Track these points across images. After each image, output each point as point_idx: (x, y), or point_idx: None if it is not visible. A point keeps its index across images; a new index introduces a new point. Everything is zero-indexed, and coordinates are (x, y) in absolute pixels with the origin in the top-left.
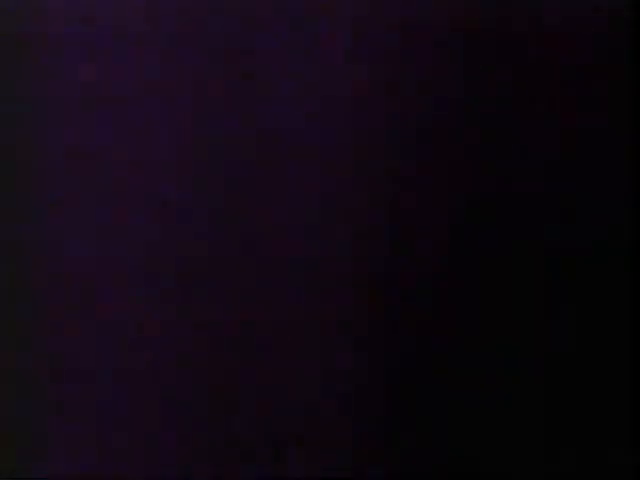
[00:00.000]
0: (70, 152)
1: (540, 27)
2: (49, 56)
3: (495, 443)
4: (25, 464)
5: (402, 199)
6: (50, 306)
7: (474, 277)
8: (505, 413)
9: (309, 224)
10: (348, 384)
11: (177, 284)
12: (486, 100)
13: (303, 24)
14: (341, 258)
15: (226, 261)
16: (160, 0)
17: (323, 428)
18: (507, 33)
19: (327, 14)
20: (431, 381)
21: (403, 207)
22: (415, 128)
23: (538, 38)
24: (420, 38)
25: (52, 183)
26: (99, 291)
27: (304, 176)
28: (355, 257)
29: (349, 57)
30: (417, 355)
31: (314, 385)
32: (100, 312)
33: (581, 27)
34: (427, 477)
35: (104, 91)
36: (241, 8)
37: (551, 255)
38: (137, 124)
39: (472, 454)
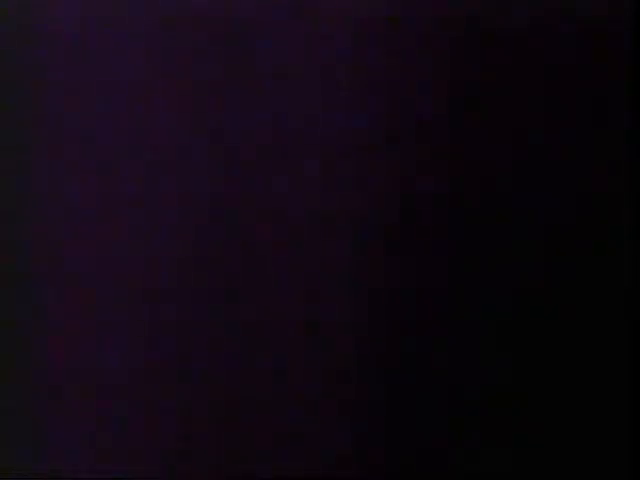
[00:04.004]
0: (69, 152)
1: (540, 27)
2: (48, 56)
3: (495, 443)
4: (25, 464)
5: (402, 199)
6: (50, 306)
7: (473, 277)
8: (505, 413)
9: (309, 224)
10: (348, 384)
11: (177, 284)
12: (486, 100)
13: (303, 24)
14: (341, 258)
15: (226, 261)
16: (160, 1)
17: (323, 428)
18: (507, 33)
19: (327, 14)
20: (431, 381)
21: (403, 208)
22: (415, 128)
23: (538, 38)
24: (420, 37)
25: (52, 184)
26: (99, 291)
27: (304, 176)
28: (355, 257)
29: (349, 57)
30: (417, 355)
31: (314, 385)
32: (100, 312)
33: (581, 27)
34: (427, 477)
35: (103, 91)
36: (241, 8)
37: (550, 256)
38: (137, 122)
39: (472, 454)
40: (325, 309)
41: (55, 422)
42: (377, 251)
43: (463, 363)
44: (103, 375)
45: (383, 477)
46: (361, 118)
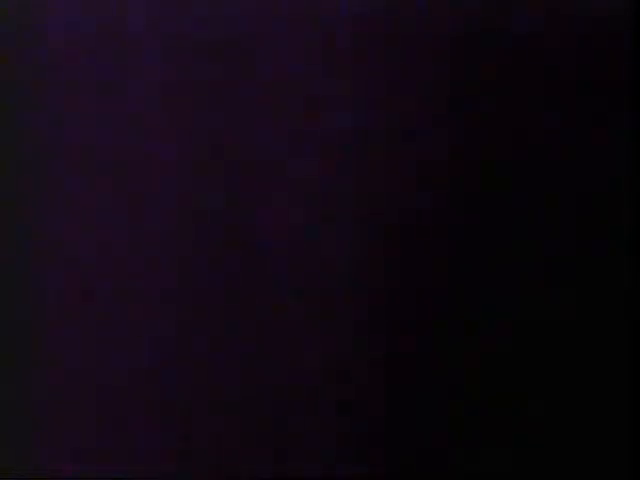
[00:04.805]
0: (69, 152)
1: (540, 27)
2: (49, 56)
3: (495, 443)
4: (25, 464)
5: (402, 199)
6: (50, 305)
7: (473, 277)
8: (505, 413)
9: (309, 224)
10: (348, 384)
11: (177, 284)
12: (485, 100)
13: (303, 24)
14: (341, 258)
15: (227, 261)
16: (160, 1)
17: (323, 428)
18: (507, 33)
19: (327, 14)
20: (431, 381)
21: (403, 207)
22: (415, 128)
23: (538, 38)
24: (420, 37)
25: (52, 183)
26: (99, 291)
27: (304, 176)
28: (355, 257)
29: (349, 57)
30: (417, 355)
31: (313, 385)
32: (100, 312)
33: (581, 27)
34: (426, 477)
35: (104, 91)
36: (241, 8)
37: (550, 256)
38: (137, 124)
39: (472, 454)
40: (325, 309)
41: (55, 422)
42: (377, 251)
43: (463, 363)
44: (103, 375)
45: (383, 477)
46: (361, 118)
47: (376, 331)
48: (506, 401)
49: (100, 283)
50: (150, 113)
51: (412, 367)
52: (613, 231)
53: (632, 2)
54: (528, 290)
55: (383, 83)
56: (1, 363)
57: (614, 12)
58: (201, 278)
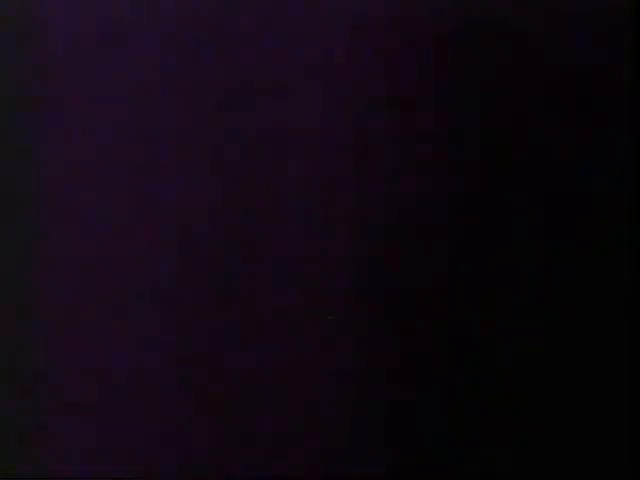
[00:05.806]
0: (68, 151)
1: (540, 27)
2: (50, 54)
3: (494, 443)
4: (25, 464)
5: (401, 199)
6: (50, 305)
7: (473, 277)
8: (505, 413)
9: (309, 223)
10: (348, 384)
11: (177, 284)
12: (485, 100)
13: (304, 23)
14: (341, 258)
15: (226, 261)
16: (160, 1)
17: (323, 428)
18: (507, 33)
19: (327, 13)
20: (431, 381)
21: (403, 207)
22: (414, 128)
23: (538, 38)
24: (420, 37)
25: (51, 183)
26: (99, 291)
27: (304, 175)
28: (355, 257)
29: (350, 55)
30: (417, 355)
31: (314, 385)
32: (100, 312)
33: (581, 27)
34: (426, 477)
35: (104, 90)
36: (242, 7)
37: (550, 256)
38: (136, 122)
39: (471, 454)
40: (325, 309)
41: (55, 422)
42: (377, 251)
43: (463, 363)
44: (103, 375)
45: (383, 477)
46: (360, 118)
47: (376, 331)
48: (506, 401)
49: (100, 283)
50: (149, 113)
51: (412, 367)
52: (613, 231)
53: (632, 2)
54: (528, 290)
55: (383, 82)
56: (1, 363)
57: (614, 12)
58: (201, 278)
